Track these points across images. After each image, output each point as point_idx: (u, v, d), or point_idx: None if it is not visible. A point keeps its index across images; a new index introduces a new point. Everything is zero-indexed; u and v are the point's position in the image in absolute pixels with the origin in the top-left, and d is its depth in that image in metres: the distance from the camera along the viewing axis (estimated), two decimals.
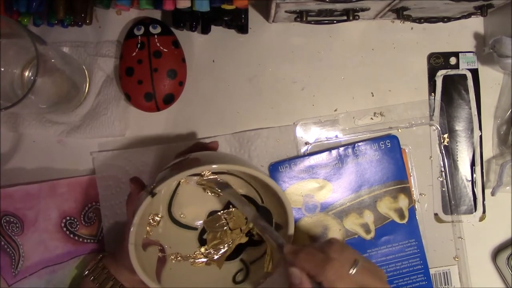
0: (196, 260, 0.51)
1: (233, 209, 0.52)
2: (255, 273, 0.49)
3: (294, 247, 0.42)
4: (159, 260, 0.48)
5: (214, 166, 0.42)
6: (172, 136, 0.58)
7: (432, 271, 0.57)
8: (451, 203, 0.58)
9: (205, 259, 0.51)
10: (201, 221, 0.52)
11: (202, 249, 0.51)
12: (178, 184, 0.51)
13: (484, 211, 0.58)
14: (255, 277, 0.49)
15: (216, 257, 0.51)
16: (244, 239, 0.52)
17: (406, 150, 0.58)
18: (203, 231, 0.52)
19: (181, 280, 0.48)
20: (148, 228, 0.48)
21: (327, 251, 0.40)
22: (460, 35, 0.59)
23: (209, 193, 0.52)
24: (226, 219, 0.52)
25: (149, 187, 0.42)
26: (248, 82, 0.58)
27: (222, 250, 0.51)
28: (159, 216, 0.49)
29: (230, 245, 0.51)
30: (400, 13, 0.53)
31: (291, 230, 0.47)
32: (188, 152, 0.50)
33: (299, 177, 0.57)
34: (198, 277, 0.50)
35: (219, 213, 0.52)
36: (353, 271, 0.39)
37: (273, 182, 0.45)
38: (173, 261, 0.49)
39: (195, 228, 0.52)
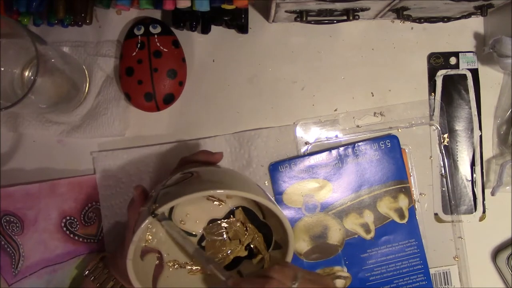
0: (193, 268, 0.49)
1: (234, 219, 0.51)
2: None
3: (239, 280, 0.43)
4: (156, 268, 0.47)
5: (218, 191, 0.41)
6: (172, 136, 0.58)
7: (432, 271, 0.57)
8: (451, 203, 0.58)
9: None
10: (201, 229, 0.51)
11: None
12: None
13: (484, 211, 0.58)
14: None
15: None
16: (243, 253, 0.50)
17: (406, 150, 0.58)
18: (202, 238, 0.51)
19: None
20: (149, 236, 0.47)
21: (267, 274, 0.41)
22: (460, 35, 0.59)
23: (212, 202, 0.51)
24: (226, 228, 0.51)
25: (151, 205, 0.41)
26: (248, 82, 0.58)
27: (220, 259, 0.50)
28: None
29: (229, 255, 0.50)
30: (400, 13, 0.53)
31: (290, 255, 0.46)
32: (193, 160, 0.49)
33: (299, 177, 0.57)
34: (194, 286, 0.49)
35: (220, 222, 0.51)
36: (294, 285, 0.40)
37: (279, 210, 0.44)
38: (170, 269, 0.48)
39: (194, 235, 0.51)
